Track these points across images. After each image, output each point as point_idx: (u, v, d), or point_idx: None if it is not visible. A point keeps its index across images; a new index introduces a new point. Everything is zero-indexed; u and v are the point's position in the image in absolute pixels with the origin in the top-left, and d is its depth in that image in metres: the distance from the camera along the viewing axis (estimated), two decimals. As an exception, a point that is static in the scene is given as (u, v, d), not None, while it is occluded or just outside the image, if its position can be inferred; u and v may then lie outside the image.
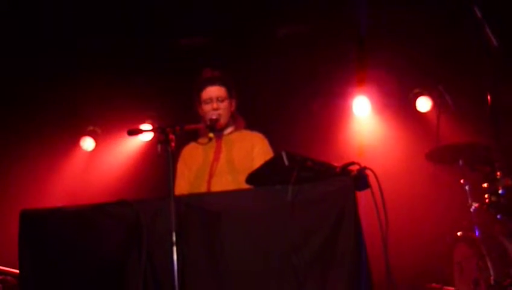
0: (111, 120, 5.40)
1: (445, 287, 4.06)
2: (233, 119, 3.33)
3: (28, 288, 2.54)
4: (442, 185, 4.46)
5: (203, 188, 3.12)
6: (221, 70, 3.34)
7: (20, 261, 2.56)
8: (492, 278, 3.60)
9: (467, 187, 4.05)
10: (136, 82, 5.21)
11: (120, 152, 5.51)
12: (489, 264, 3.65)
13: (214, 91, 3.23)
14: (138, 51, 5.09)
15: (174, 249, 2.34)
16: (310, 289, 2.36)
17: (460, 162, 4.09)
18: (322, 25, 4.95)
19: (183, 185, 3.16)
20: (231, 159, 3.20)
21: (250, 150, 3.23)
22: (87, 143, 5.46)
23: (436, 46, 4.89)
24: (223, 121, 3.24)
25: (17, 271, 3.04)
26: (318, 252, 2.38)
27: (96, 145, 5.47)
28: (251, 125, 3.45)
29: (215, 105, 3.21)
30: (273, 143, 3.37)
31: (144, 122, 5.32)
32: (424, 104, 5.20)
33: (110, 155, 5.52)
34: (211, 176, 3.14)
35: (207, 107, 3.23)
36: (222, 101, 3.24)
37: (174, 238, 2.34)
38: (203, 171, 3.17)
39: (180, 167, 3.24)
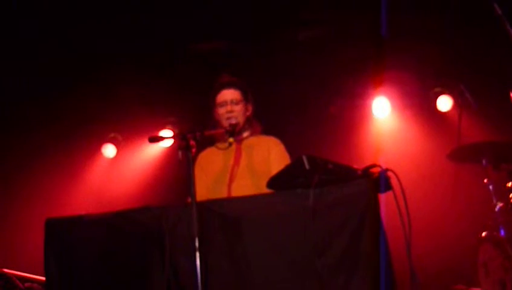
0: (132, 127, 5.45)
1: (471, 288, 4.01)
2: (249, 124, 3.33)
3: (54, 295, 2.57)
4: (465, 186, 4.41)
5: (223, 193, 3.13)
6: (239, 75, 3.36)
7: (46, 268, 2.61)
8: (518, 278, 3.54)
9: (490, 187, 3.99)
10: (155, 88, 5.25)
11: (141, 158, 5.56)
12: (515, 264, 3.60)
13: (228, 94, 3.26)
14: (158, 56, 5.13)
15: (197, 254, 2.34)
16: (333, 293, 2.35)
17: (484, 161, 4.04)
18: (341, 27, 4.94)
19: (201, 191, 3.17)
20: (251, 163, 3.21)
21: (266, 154, 3.24)
22: (109, 150, 5.51)
23: (456, 45, 4.84)
24: (238, 123, 3.24)
25: (43, 278, 3.09)
26: (341, 256, 2.37)
27: (117, 152, 5.52)
28: (271, 129, 3.45)
29: (229, 107, 3.23)
30: (293, 146, 3.37)
31: (164, 128, 5.36)
32: (444, 103, 5.15)
33: (132, 162, 5.56)
34: (231, 180, 3.15)
35: (221, 110, 3.24)
36: (237, 104, 3.26)
37: (196, 244, 2.35)
38: (223, 176, 3.18)
39: (197, 172, 3.22)
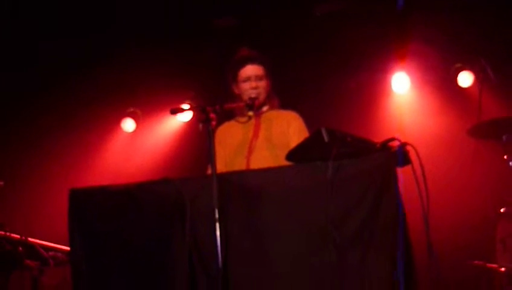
0: (150, 101, 5.48)
1: (488, 264, 4.01)
2: (268, 98, 3.35)
3: (78, 264, 2.64)
4: (484, 161, 4.38)
5: (242, 165, 3.17)
6: (258, 49, 3.35)
7: (70, 238, 2.67)
8: (536, 254, 3.54)
9: (510, 163, 3.97)
10: (173, 63, 5.26)
11: (160, 133, 5.60)
12: (533, 240, 3.59)
13: (252, 70, 3.26)
14: (175, 31, 5.13)
15: (217, 225, 2.39)
16: (351, 264, 2.37)
17: (504, 137, 3.99)
18: (360, 1, 4.88)
19: (219, 165, 3.19)
20: (269, 135, 3.24)
21: (286, 127, 3.26)
22: (128, 124, 5.56)
23: (477, 19, 4.76)
24: (260, 99, 3.28)
25: (67, 248, 3.17)
26: (359, 228, 2.39)
27: (136, 126, 5.57)
28: (290, 103, 3.46)
29: (253, 84, 3.24)
30: (311, 121, 3.38)
31: (182, 102, 5.38)
32: (465, 79, 5.08)
33: (151, 136, 5.61)
34: (249, 152, 3.19)
35: (245, 86, 3.25)
36: (261, 79, 3.27)
37: (216, 215, 2.39)
38: (242, 148, 3.21)
39: (215, 146, 3.27)
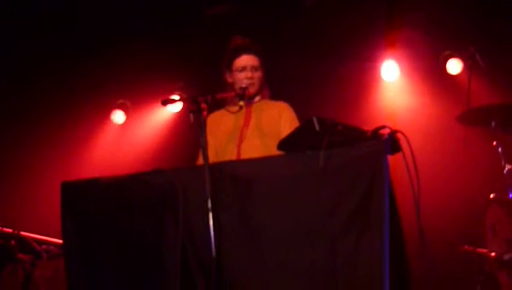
0: (140, 93, 5.46)
1: (478, 249, 4.06)
2: (260, 89, 3.35)
3: (71, 257, 2.65)
4: (474, 148, 4.41)
5: (233, 153, 3.17)
6: (251, 39, 3.34)
7: (63, 231, 2.68)
8: (526, 239, 3.59)
9: (499, 149, 4.00)
10: (163, 53, 5.24)
11: (150, 124, 5.58)
12: (523, 225, 3.64)
13: (248, 60, 3.25)
14: (165, 21, 5.10)
15: (210, 215, 2.40)
16: (343, 252, 2.39)
17: (493, 123, 4.03)
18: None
19: (209, 155, 3.19)
20: (260, 124, 3.25)
21: (277, 118, 3.27)
22: (118, 116, 5.54)
23: (466, 6, 4.78)
24: (253, 90, 3.27)
25: (60, 241, 3.17)
26: (351, 216, 2.41)
27: (126, 118, 5.55)
28: (280, 93, 3.47)
29: (249, 74, 3.24)
30: (301, 110, 3.39)
31: (172, 93, 5.36)
32: (454, 66, 5.10)
33: (141, 127, 5.59)
34: (241, 140, 3.20)
35: (240, 75, 3.25)
36: (256, 70, 3.27)
37: (209, 205, 2.40)
38: (234, 136, 3.22)
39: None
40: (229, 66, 3.29)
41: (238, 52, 3.27)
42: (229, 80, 3.31)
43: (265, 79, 3.36)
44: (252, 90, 3.25)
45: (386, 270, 2.30)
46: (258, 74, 3.27)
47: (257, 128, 3.22)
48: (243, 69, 3.25)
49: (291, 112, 3.31)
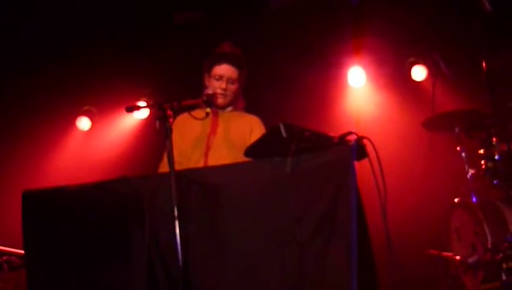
0: (106, 99, 5.39)
1: (444, 253, 4.12)
2: (235, 100, 3.32)
3: (33, 267, 2.57)
4: (438, 153, 4.49)
5: (200, 161, 3.14)
6: (240, 49, 3.31)
7: (24, 241, 2.60)
8: (489, 242, 3.65)
9: (463, 154, 4.08)
10: (130, 60, 5.18)
11: (116, 131, 5.51)
12: (486, 229, 3.70)
13: (227, 70, 3.21)
14: (131, 28, 5.04)
15: (177, 223, 2.36)
16: (311, 259, 2.39)
17: (456, 129, 4.11)
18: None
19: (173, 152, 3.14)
20: (228, 133, 3.22)
21: (248, 132, 3.24)
22: (83, 123, 5.46)
23: (430, 14, 4.86)
24: (224, 101, 3.24)
25: (21, 251, 3.08)
26: (318, 222, 2.41)
27: (92, 125, 5.47)
28: (246, 98, 3.44)
29: (223, 85, 3.21)
30: (268, 116, 3.38)
31: (139, 100, 5.31)
32: (419, 73, 5.19)
33: (107, 134, 5.52)
34: (207, 148, 3.16)
35: (215, 84, 3.22)
36: (232, 83, 3.23)
37: (176, 213, 2.37)
38: (200, 143, 3.18)
39: (173, 135, 3.22)
40: (209, 71, 3.26)
41: (220, 60, 3.23)
42: (206, 82, 3.28)
43: (241, 91, 3.33)
44: (221, 101, 3.22)
45: (354, 276, 2.31)
46: (233, 87, 3.23)
47: (225, 139, 3.19)
48: (220, 78, 3.22)
49: (261, 129, 3.28)
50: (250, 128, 3.25)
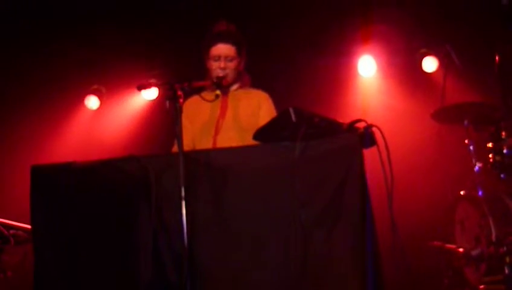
0: (115, 78, 5.39)
1: (447, 245, 4.12)
2: (239, 77, 3.32)
3: (40, 242, 2.59)
4: (446, 145, 4.47)
5: (208, 144, 3.14)
6: (235, 25, 3.30)
7: (32, 216, 2.61)
8: (493, 235, 3.65)
9: (471, 147, 4.07)
10: (139, 40, 5.18)
11: (125, 110, 5.52)
12: (491, 222, 3.70)
13: (223, 49, 3.20)
14: (142, 6, 5.03)
15: (183, 203, 2.37)
16: (316, 244, 2.40)
17: (465, 122, 4.09)
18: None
19: (186, 140, 3.15)
20: (237, 116, 3.22)
21: (256, 108, 3.24)
22: (92, 102, 5.46)
23: (443, 4, 4.82)
24: (228, 79, 3.23)
25: (28, 226, 3.11)
26: (324, 208, 2.42)
27: (100, 104, 5.47)
28: (256, 84, 3.44)
29: (222, 64, 3.20)
30: (277, 102, 3.38)
31: (148, 80, 5.29)
32: (430, 64, 5.16)
33: (115, 113, 5.52)
34: (216, 132, 3.17)
35: (214, 64, 3.21)
36: (231, 60, 3.22)
37: (183, 193, 2.38)
38: (209, 127, 3.19)
39: (183, 121, 3.18)
40: (207, 53, 3.25)
41: (215, 40, 3.22)
42: (207, 65, 3.28)
43: (245, 67, 3.32)
44: (226, 79, 3.21)
45: (359, 263, 2.32)
46: (232, 64, 3.22)
47: (234, 121, 3.19)
48: (218, 58, 3.21)
49: (269, 103, 3.29)
50: (258, 103, 3.25)
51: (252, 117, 3.18)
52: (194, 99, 3.25)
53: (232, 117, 3.21)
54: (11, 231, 3.38)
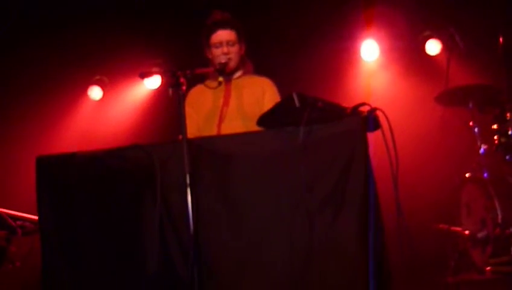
0: (118, 68, 5.38)
1: (453, 228, 4.13)
2: (242, 63, 3.31)
3: (47, 232, 2.61)
4: (451, 128, 4.46)
5: (213, 132, 3.14)
6: (230, 13, 3.30)
7: (38, 206, 2.63)
8: (499, 217, 3.65)
9: (476, 129, 4.06)
10: (141, 29, 5.16)
11: (128, 100, 5.51)
12: (497, 204, 3.70)
13: (224, 35, 3.20)
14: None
15: (188, 190, 2.38)
16: (321, 228, 2.40)
17: (470, 104, 4.08)
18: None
19: (191, 128, 3.16)
20: (241, 104, 3.21)
21: (260, 95, 3.23)
22: (95, 92, 5.46)
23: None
24: (232, 64, 3.23)
25: (35, 217, 3.12)
26: (329, 193, 2.42)
27: (103, 94, 5.47)
28: (259, 70, 3.44)
29: (225, 49, 3.19)
30: (281, 88, 3.37)
31: (151, 69, 5.29)
32: (433, 47, 5.12)
33: (118, 104, 5.52)
34: (220, 120, 3.17)
35: (217, 51, 3.21)
36: (232, 45, 3.22)
37: (188, 180, 2.38)
38: (213, 115, 3.19)
39: (188, 110, 3.16)
40: (207, 42, 3.25)
41: (214, 28, 3.22)
42: (209, 55, 3.28)
43: (247, 53, 3.32)
44: (230, 65, 3.21)
45: (365, 247, 2.32)
46: (234, 49, 3.22)
47: (238, 109, 3.19)
48: (219, 44, 3.21)
49: (274, 90, 3.28)
50: (262, 89, 3.25)
51: (256, 105, 3.18)
52: (198, 88, 3.26)
53: (236, 106, 3.20)
54: (18, 222, 3.40)
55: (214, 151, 2.53)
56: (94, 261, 2.58)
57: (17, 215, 3.46)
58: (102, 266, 2.57)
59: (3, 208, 3.51)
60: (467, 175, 4.08)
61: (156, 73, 2.90)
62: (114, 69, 5.40)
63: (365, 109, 2.51)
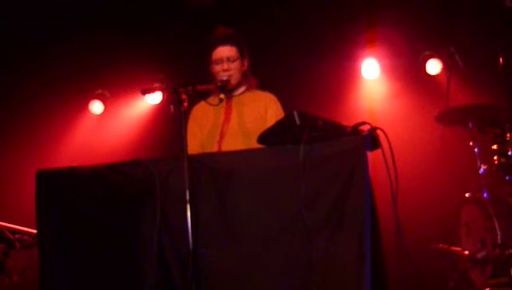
0: (119, 83, 5.41)
1: (452, 247, 4.11)
2: (245, 79, 3.30)
3: (46, 246, 2.60)
4: (451, 148, 4.47)
5: (214, 149, 3.14)
6: (233, 28, 3.31)
7: (37, 220, 2.62)
8: (499, 237, 3.64)
9: (476, 149, 4.06)
10: (143, 44, 5.20)
11: (129, 115, 5.52)
12: (496, 224, 3.69)
13: (224, 51, 3.20)
14: (145, 11, 5.05)
15: (188, 207, 2.38)
16: (320, 247, 2.40)
17: (470, 124, 4.09)
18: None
19: (194, 145, 3.17)
20: (242, 121, 3.20)
21: (263, 111, 3.22)
22: (96, 106, 5.47)
23: (447, 7, 4.83)
24: (233, 81, 3.22)
25: (34, 231, 3.11)
26: (329, 211, 2.42)
27: (105, 109, 5.49)
28: (262, 87, 3.44)
29: (225, 66, 3.19)
30: (282, 106, 3.37)
31: (152, 84, 5.31)
32: (434, 66, 5.15)
33: (120, 118, 5.53)
34: (221, 137, 3.16)
35: (217, 68, 3.21)
36: (233, 61, 3.21)
37: (187, 196, 2.38)
38: (214, 132, 3.19)
39: (191, 127, 3.20)
40: (209, 59, 3.26)
41: (215, 44, 3.22)
42: (212, 70, 3.28)
43: (250, 68, 3.32)
44: (231, 82, 3.20)
45: (364, 265, 2.31)
46: (235, 65, 3.21)
47: (239, 126, 3.18)
48: (220, 60, 3.20)
49: (277, 106, 3.26)
50: (264, 105, 3.23)
51: (257, 122, 3.16)
52: (202, 104, 3.26)
53: (237, 123, 3.19)
54: (17, 236, 3.39)
55: (214, 168, 2.53)
56: (93, 276, 2.57)
57: (16, 229, 3.45)
58: (101, 281, 2.56)
59: (2, 221, 3.50)
60: (467, 195, 4.07)
61: (158, 89, 2.90)
62: (115, 84, 5.42)
63: (365, 128, 2.52)
